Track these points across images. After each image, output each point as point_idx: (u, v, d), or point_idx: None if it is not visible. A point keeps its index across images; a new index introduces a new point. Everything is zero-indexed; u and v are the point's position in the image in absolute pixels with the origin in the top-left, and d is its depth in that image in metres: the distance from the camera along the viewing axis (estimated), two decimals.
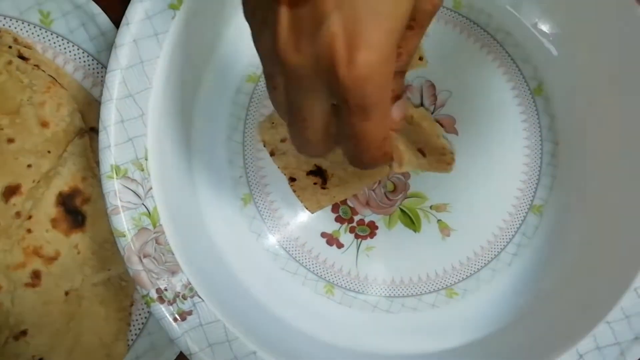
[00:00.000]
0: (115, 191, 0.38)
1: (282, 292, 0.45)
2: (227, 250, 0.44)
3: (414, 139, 0.40)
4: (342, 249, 0.46)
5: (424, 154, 0.40)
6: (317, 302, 0.45)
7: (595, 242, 0.42)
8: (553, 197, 0.45)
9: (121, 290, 0.43)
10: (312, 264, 0.46)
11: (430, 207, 0.45)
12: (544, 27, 0.43)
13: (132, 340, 0.44)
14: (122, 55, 0.38)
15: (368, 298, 0.46)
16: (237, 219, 0.45)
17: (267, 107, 0.45)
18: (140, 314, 0.44)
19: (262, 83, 0.45)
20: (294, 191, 0.44)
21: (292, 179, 0.44)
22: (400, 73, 0.25)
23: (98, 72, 0.45)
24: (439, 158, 0.41)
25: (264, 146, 0.44)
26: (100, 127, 0.38)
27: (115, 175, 0.38)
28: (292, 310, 0.44)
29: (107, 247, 0.43)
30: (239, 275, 0.43)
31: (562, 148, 0.44)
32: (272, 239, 0.46)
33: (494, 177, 0.45)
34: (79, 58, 0.45)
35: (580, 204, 0.43)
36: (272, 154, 0.44)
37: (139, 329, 0.44)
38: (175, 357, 0.43)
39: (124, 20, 0.38)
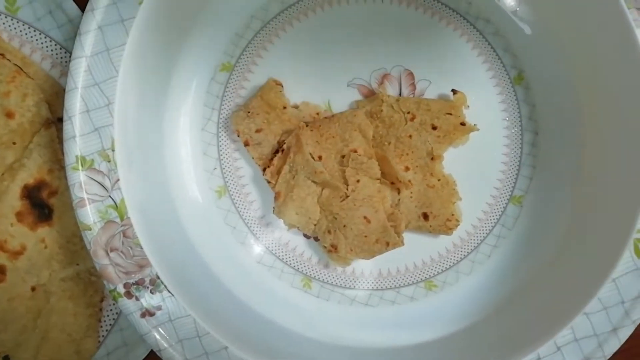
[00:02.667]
0: (80, 183, 0.36)
1: (258, 286, 0.44)
2: (201, 244, 0.42)
3: (425, 203, 0.42)
4: (319, 242, 0.45)
5: (426, 218, 0.42)
6: (294, 295, 0.45)
7: (574, 233, 0.41)
8: (533, 187, 0.44)
9: (91, 285, 0.42)
10: (289, 257, 0.45)
11: None
12: (524, 14, 0.42)
13: (102, 336, 0.43)
14: (87, 43, 0.37)
15: (346, 291, 0.45)
16: (211, 212, 0.44)
17: (242, 97, 0.44)
18: (111, 310, 0.43)
19: (237, 72, 0.44)
20: (268, 182, 0.43)
21: (265, 170, 0.43)
22: None
23: (66, 61, 0.43)
24: (444, 223, 0.42)
25: (238, 136, 0.43)
26: (65, 117, 0.37)
27: (80, 167, 0.36)
28: (268, 304, 0.43)
29: (76, 242, 0.42)
30: (212, 268, 0.42)
31: (542, 138, 0.44)
32: (247, 232, 0.45)
33: (472, 168, 0.44)
34: (47, 46, 0.43)
35: (560, 194, 0.43)
36: (246, 144, 0.43)
37: (110, 324, 0.43)
38: (147, 353, 0.42)
39: (88, 6, 0.37)
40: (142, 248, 0.37)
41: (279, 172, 0.42)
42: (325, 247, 0.43)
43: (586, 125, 0.41)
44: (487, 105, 0.44)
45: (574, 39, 0.40)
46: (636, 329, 0.37)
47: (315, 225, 0.43)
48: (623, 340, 0.37)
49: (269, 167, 0.42)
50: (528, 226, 0.44)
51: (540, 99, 0.43)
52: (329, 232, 0.42)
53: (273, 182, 0.42)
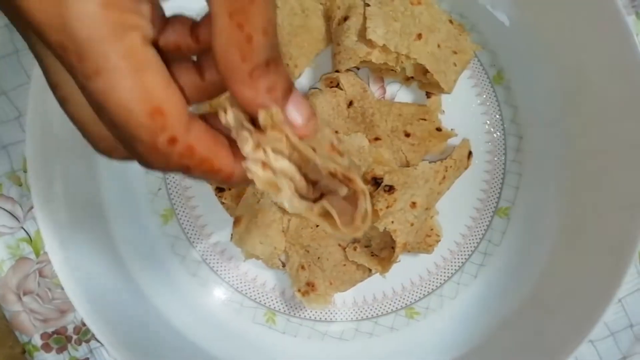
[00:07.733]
0: None
1: (213, 324, 0.38)
2: (142, 278, 0.37)
3: None
4: (284, 269, 0.39)
5: None
6: (257, 333, 0.39)
7: (570, 246, 0.37)
8: (520, 197, 0.40)
9: (9, 335, 0.35)
10: (249, 289, 0.39)
11: None
12: (502, 8, 0.38)
13: None
14: None
15: (317, 325, 0.39)
16: (156, 240, 0.39)
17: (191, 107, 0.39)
18: None
19: None
20: (222, 203, 0.38)
21: (219, 190, 0.37)
22: (272, 63, 0.18)
23: None
24: (423, 239, 0.38)
25: None
26: None
27: None
28: (226, 345, 0.38)
29: None
30: (157, 307, 0.36)
31: (526, 142, 0.40)
32: (200, 262, 0.39)
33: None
34: None
35: (550, 203, 0.39)
36: None
37: None
38: None
39: None
40: (63, 289, 0.31)
41: (240, 195, 0.37)
42: (299, 290, 0.37)
43: (573, 126, 0.37)
44: (465, 108, 0.40)
45: (556, 30, 0.36)
46: None
47: (279, 258, 0.37)
48: None
49: (227, 189, 0.37)
50: (517, 241, 0.40)
51: (522, 99, 0.40)
52: (303, 267, 0.37)
53: (234, 205, 0.37)
